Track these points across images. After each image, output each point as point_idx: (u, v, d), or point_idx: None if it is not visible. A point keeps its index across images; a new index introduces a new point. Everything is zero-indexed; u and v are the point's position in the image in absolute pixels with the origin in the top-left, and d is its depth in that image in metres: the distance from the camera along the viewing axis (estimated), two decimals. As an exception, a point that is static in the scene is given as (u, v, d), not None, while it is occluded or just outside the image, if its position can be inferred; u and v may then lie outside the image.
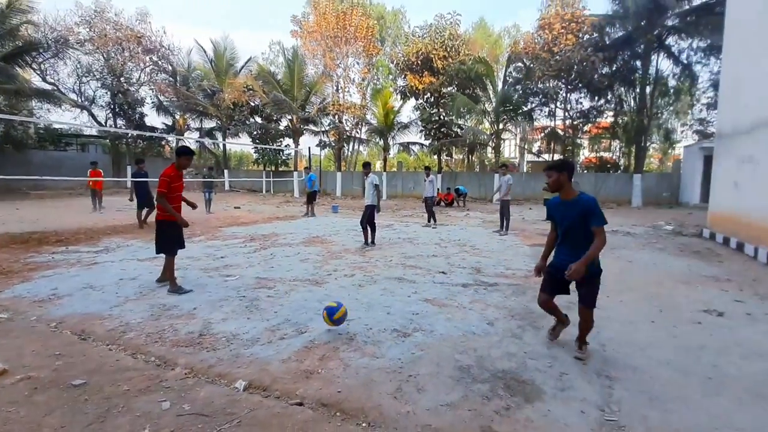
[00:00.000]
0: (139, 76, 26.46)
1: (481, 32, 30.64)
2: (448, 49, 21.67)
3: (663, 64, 23.03)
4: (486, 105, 22.39)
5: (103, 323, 3.73)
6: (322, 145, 26.61)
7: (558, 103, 21.91)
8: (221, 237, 8.78)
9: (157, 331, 3.55)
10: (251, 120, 27.60)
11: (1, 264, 5.76)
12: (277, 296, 4.61)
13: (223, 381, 2.77)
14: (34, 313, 3.96)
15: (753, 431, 2.29)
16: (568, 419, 2.37)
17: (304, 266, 6.12)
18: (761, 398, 2.63)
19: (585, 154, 28.91)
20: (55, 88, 23.94)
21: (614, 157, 26.11)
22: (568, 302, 3.42)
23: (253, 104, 26.81)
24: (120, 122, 26.51)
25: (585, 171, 24.25)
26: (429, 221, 11.33)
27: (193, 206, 5.18)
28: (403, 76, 23.57)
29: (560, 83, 20.47)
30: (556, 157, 24.34)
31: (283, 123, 27.47)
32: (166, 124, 29.10)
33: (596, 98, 20.99)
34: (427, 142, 25.15)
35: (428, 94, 22.81)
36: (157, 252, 4.85)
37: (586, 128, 22.96)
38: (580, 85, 20.14)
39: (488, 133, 23.64)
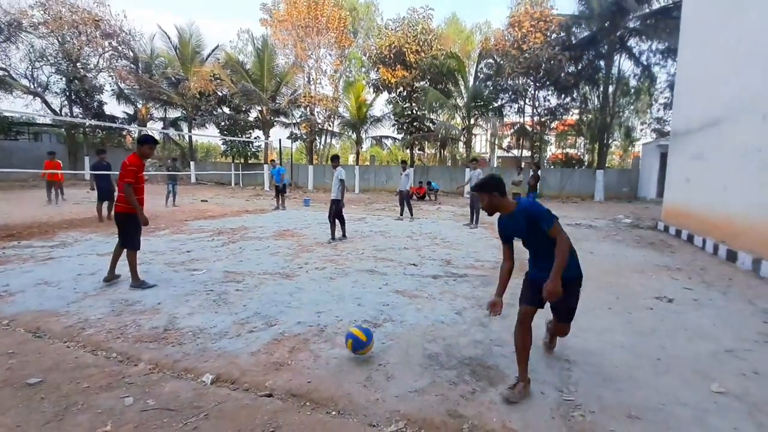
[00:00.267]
0: (98, 62, 24.98)
1: (453, 27, 30.84)
2: (421, 43, 21.73)
3: (625, 64, 24.00)
4: (458, 100, 22.70)
5: (60, 320, 3.57)
6: (293, 137, 26.17)
7: (527, 100, 22.44)
8: (187, 230, 8.51)
9: (119, 327, 3.43)
10: (219, 110, 26.74)
11: (-57, 260, 5.38)
12: (246, 290, 4.54)
13: (189, 375, 2.72)
14: (-17, 310, 3.73)
15: (696, 406, 2.48)
16: (529, 400, 2.49)
17: (274, 259, 6.05)
18: (704, 376, 2.85)
19: (552, 150, 29.85)
20: (6, 73, 22.37)
21: (579, 154, 27.12)
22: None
23: (220, 94, 25.89)
24: (76, 110, 25.03)
25: (552, 167, 25.06)
26: (401, 215, 11.42)
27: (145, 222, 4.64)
28: (375, 69, 23.44)
29: (529, 80, 20.95)
30: (525, 153, 25.03)
31: (253, 114, 26.80)
32: (128, 113, 27.70)
33: (563, 96, 21.66)
34: (399, 136, 25.23)
35: (401, 88, 22.83)
36: (121, 246, 4.63)
37: (553, 125, 23.69)
38: (547, 82, 20.70)
39: (460, 128, 23.97)
